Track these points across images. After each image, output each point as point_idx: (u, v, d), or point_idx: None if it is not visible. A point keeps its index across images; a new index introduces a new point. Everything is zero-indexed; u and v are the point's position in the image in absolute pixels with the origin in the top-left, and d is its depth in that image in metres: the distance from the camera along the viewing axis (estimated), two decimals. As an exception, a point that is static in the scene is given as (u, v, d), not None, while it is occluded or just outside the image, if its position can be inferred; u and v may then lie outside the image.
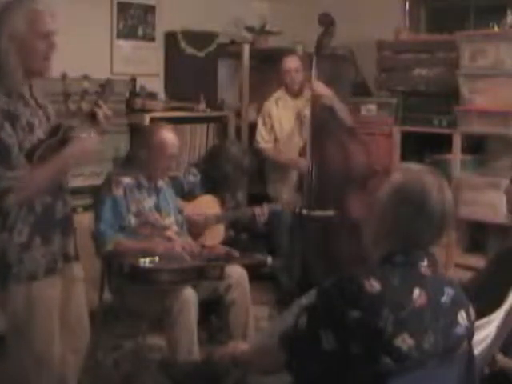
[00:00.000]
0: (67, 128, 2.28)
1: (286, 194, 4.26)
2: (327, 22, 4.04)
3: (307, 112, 4.13)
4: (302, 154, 4.12)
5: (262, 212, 3.82)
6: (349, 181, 3.92)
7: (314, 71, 4.08)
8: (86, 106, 3.63)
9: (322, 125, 4.04)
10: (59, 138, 2.26)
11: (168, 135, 3.22)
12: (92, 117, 2.29)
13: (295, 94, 4.42)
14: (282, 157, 4.38)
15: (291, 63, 4.37)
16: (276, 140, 4.45)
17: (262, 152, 4.48)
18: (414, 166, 1.80)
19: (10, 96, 2.21)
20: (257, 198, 4.21)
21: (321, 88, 4.09)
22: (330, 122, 4.11)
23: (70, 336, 2.45)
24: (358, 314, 1.57)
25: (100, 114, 2.29)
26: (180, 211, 3.45)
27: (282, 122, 4.42)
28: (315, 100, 4.05)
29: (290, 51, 4.60)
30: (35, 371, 2.33)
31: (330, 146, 4.02)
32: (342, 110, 4.22)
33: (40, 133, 2.26)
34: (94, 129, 2.30)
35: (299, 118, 4.35)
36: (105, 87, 2.37)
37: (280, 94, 4.49)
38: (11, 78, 2.21)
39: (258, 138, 4.47)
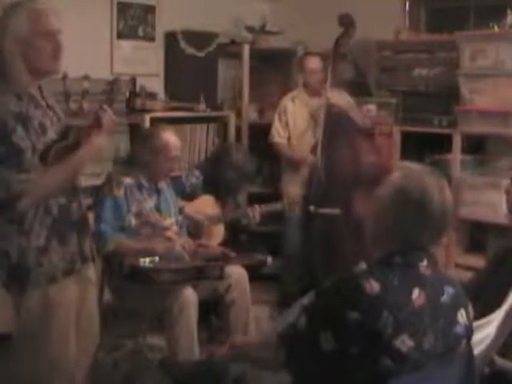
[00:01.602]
0: (76, 129, 2.27)
1: (293, 192, 4.26)
2: (347, 23, 4.04)
3: (322, 113, 4.16)
4: (312, 151, 4.14)
5: (253, 213, 3.76)
6: (357, 181, 3.93)
7: (329, 73, 4.13)
8: (86, 106, 3.64)
9: (334, 124, 4.06)
10: (71, 140, 2.24)
11: (171, 138, 3.24)
12: (96, 119, 2.27)
13: (314, 93, 4.43)
14: (294, 153, 4.40)
15: (314, 63, 4.38)
16: (290, 137, 4.46)
17: (275, 147, 4.48)
18: (413, 166, 1.80)
19: (20, 98, 2.18)
20: (261, 197, 4.21)
21: (335, 98, 4.11)
22: (343, 122, 4.12)
23: (82, 337, 2.43)
24: (357, 315, 1.57)
25: (104, 118, 2.26)
26: (180, 210, 3.45)
27: (296, 119, 4.43)
28: (329, 107, 4.11)
29: (309, 52, 4.60)
30: (48, 374, 2.30)
31: (341, 145, 4.03)
32: (357, 114, 4.25)
33: (52, 133, 2.24)
34: (98, 130, 2.28)
35: (314, 116, 4.35)
36: (113, 86, 2.35)
37: (297, 92, 4.51)
38: (18, 81, 2.19)
39: (274, 132, 4.47)
